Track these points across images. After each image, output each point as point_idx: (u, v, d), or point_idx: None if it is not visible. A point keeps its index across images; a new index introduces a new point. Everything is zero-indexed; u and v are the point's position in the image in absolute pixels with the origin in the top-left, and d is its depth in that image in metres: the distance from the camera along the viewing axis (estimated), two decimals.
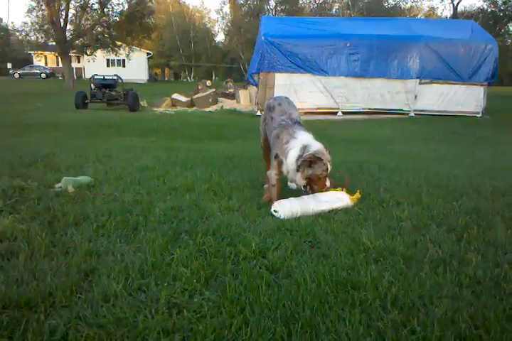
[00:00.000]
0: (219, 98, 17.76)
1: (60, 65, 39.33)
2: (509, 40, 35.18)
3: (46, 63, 52.00)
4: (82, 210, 3.05)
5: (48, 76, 46.68)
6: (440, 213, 3.21)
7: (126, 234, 2.67)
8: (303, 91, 13.93)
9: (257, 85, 14.53)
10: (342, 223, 2.95)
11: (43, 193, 3.42)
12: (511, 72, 44.92)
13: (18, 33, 35.13)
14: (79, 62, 47.47)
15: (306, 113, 13.52)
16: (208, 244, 2.52)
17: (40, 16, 30.01)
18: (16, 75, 45.80)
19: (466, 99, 14.20)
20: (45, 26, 30.49)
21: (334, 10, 47.26)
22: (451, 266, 2.29)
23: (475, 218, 3.11)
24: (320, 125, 11.33)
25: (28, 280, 2.02)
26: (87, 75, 37.92)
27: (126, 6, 33.48)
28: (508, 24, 35.80)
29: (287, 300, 1.91)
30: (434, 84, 14.07)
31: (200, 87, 18.59)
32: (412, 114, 14.13)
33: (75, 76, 34.45)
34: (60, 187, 3.58)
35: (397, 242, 2.60)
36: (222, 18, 56.12)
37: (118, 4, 33.89)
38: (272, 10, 48.30)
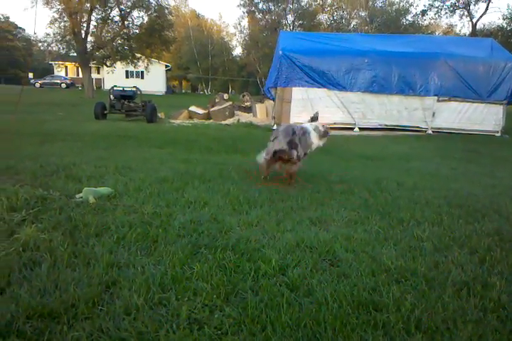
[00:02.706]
0: (236, 111, 17.86)
1: (80, 75, 40.00)
2: None
3: (67, 73, 53.01)
4: (103, 221, 3.08)
5: (68, 86, 47.52)
6: (462, 234, 3.17)
7: (146, 246, 2.69)
8: (319, 105, 13.92)
9: (274, 99, 14.60)
10: (362, 241, 2.93)
11: (64, 203, 3.46)
12: None
13: (40, 44, 35.86)
14: (98, 73, 48.28)
15: None
16: (228, 259, 2.52)
17: (63, 28, 30.64)
18: (37, 85, 46.68)
19: (484, 117, 14.07)
20: (67, 37, 31.09)
21: (352, 26, 47.51)
22: (474, 290, 2.25)
23: (497, 240, 3.07)
24: (336, 140, 11.32)
25: (50, 291, 2.04)
26: (107, 86, 38.56)
27: (146, 19, 34.08)
28: None
29: (309, 319, 1.89)
30: (452, 102, 13.98)
31: (217, 100, 18.74)
32: (429, 131, 14.04)
33: (94, 87, 35.02)
34: (81, 197, 3.62)
35: (419, 263, 2.57)
36: (240, 32, 56.70)
37: (138, 17, 34.40)
38: (289, 25, 48.76)
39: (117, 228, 2.95)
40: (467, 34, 40.41)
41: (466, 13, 39.87)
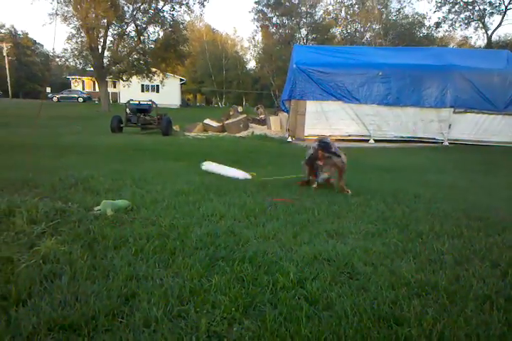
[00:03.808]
0: (250, 124, 17.96)
1: (97, 89, 40.74)
2: None
3: (83, 88, 54.01)
4: (121, 234, 3.10)
5: (84, 100, 48.32)
6: (482, 247, 3.12)
7: (164, 258, 2.70)
8: (334, 118, 13.96)
9: (288, 112, 14.66)
10: (380, 254, 2.90)
11: (83, 216, 3.50)
12: None
13: (58, 59, 36.62)
14: (115, 87, 49.07)
15: (337, 140, 13.51)
16: (246, 271, 2.51)
17: (80, 43, 31.31)
18: (55, 99, 47.58)
19: (502, 128, 13.92)
20: (84, 52, 31.78)
21: (365, 39, 47.63)
22: (497, 304, 2.21)
23: None
24: (352, 152, 11.28)
25: (71, 303, 2.05)
26: (123, 100, 39.10)
27: (161, 34, 34.69)
28: None
29: (329, 333, 1.87)
30: (468, 114, 13.88)
31: (231, 113, 18.90)
32: (446, 143, 13.93)
33: (110, 100, 35.57)
34: (99, 210, 3.66)
35: (439, 276, 2.53)
36: (254, 46, 57.23)
37: (154, 32, 35.08)
38: (303, 38, 49.12)
39: (135, 240, 2.97)
40: (482, 46, 40.21)
41: (480, 25, 39.75)
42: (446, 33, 46.23)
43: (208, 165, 6.38)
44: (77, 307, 2.01)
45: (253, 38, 57.18)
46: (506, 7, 37.19)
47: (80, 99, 48.19)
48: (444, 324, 1.97)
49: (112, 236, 3.01)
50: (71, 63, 34.55)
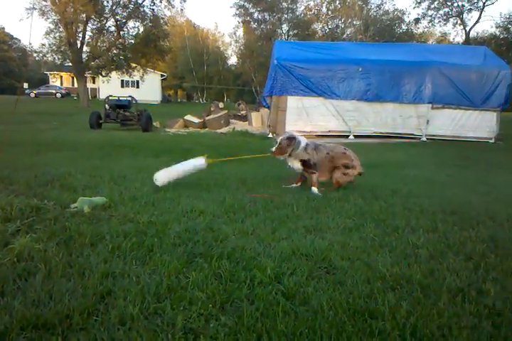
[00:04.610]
0: (231, 120, 17.91)
1: (76, 85, 40.08)
2: None
3: (62, 83, 53.07)
4: (98, 231, 3.07)
5: (63, 96, 47.51)
6: (456, 241, 3.18)
7: (141, 255, 2.68)
8: (315, 114, 14.02)
9: (269, 108, 14.67)
10: (357, 249, 2.93)
11: (59, 213, 3.45)
12: None
13: (35, 54, 35.90)
14: (94, 82, 48.28)
15: (317, 136, 13.59)
16: (223, 267, 2.51)
17: (58, 38, 30.72)
18: (32, 95, 46.67)
19: (478, 124, 14.17)
20: (62, 48, 31.19)
21: (346, 34, 47.85)
22: (469, 296, 2.26)
23: (492, 247, 3.08)
24: None
25: (45, 302, 2.03)
26: (102, 96, 38.57)
27: (141, 29, 34.25)
28: None
29: (304, 328, 1.89)
30: (446, 109, 14.09)
31: (212, 109, 18.80)
32: (424, 138, 14.12)
33: (89, 96, 35.05)
34: (76, 207, 3.61)
35: (414, 270, 2.57)
36: (236, 41, 57.01)
37: (134, 27, 34.62)
38: (284, 34, 49.13)
39: (112, 238, 2.94)
40: (461, 42, 40.81)
41: (459, 21, 40.33)
42: (426, 29, 46.78)
43: (160, 176, 4.83)
44: (51, 305, 1.98)
45: (234, 34, 57.09)
46: (484, 3, 37.85)
47: (58, 95, 47.38)
48: (417, 317, 2.01)
49: (89, 233, 2.98)
50: (49, 58, 33.94)
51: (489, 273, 2.58)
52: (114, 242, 2.85)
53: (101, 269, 2.41)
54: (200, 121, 17.00)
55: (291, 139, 5.06)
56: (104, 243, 2.85)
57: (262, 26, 48.53)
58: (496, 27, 38.46)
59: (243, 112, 19.56)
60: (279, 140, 5.14)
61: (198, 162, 5.13)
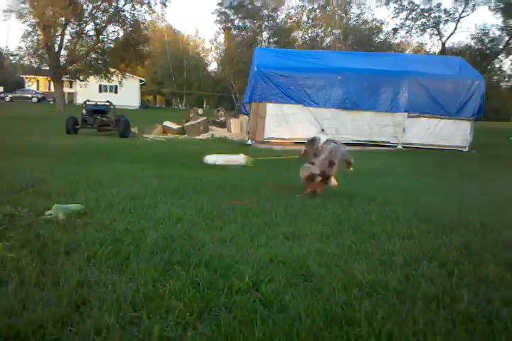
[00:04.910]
0: (210, 126, 17.89)
1: (52, 89, 39.47)
2: (495, 77, 36.20)
3: (38, 87, 52.23)
4: (73, 239, 3.02)
5: (39, 100, 46.74)
6: (431, 248, 3.24)
7: (117, 264, 2.65)
8: (294, 121, 14.12)
9: (249, 114, 14.71)
10: (335, 256, 2.96)
11: (33, 220, 3.39)
12: (497, 107, 46.16)
13: (11, 57, 35.29)
14: (71, 87, 47.61)
15: (295, 143, 13.68)
16: (201, 275, 2.50)
17: (35, 41, 30.28)
18: (7, 98, 45.77)
19: (453, 133, 14.48)
20: (40, 51, 30.75)
21: (326, 43, 48.45)
22: (443, 302, 2.30)
23: (465, 254, 3.14)
24: None
25: (18, 311, 1.98)
26: (79, 100, 38.03)
27: (121, 34, 34.00)
28: (494, 61, 36.97)
29: (282, 335, 1.89)
30: (422, 118, 14.37)
31: (191, 115, 18.76)
32: (399, 146, 14.35)
33: (66, 101, 34.58)
34: (51, 214, 3.55)
35: (390, 277, 2.61)
36: (216, 47, 57.12)
37: (113, 32, 34.29)
38: (264, 41, 49.46)
39: (88, 245, 2.90)
40: (437, 52, 41.74)
41: (436, 32, 41.27)
42: (403, 39, 47.75)
43: (210, 157, 7.80)
44: (24, 315, 1.94)
45: (215, 40, 57.00)
46: (460, 15, 38.88)
47: (35, 99, 46.59)
48: (393, 323, 2.03)
49: (64, 241, 2.93)
50: (26, 62, 33.39)
51: (463, 280, 2.63)
52: (90, 250, 2.80)
53: (76, 278, 2.37)
54: (179, 127, 16.93)
55: (314, 141, 5.37)
56: (79, 251, 2.80)
57: (242, 33, 48.79)
58: (471, 38, 39.55)
59: (222, 119, 19.57)
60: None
61: (240, 158, 7.64)
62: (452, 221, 4.18)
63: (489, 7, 35.05)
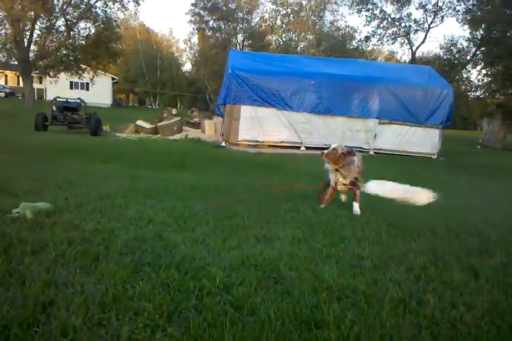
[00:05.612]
0: (184, 127, 17.79)
1: (21, 84, 38.43)
2: (463, 87, 37.28)
3: (6, 82, 50.75)
4: (41, 238, 2.95)
5: (7, 95, 45.41)
6: (399, 252, 3.30)
7: (86, 264, 2.59)
8: (268, 124, 14.20)
9: (223, 116, 14.70)
10: (306, 259, 2.98)
11: None
12: (464, 116, 47.61)
13: None
14: (41, 83, 46.42)
15: (269, 146, 13.75)
16: (172, 277, 2.48)
17: (3, 35, 29.47)
18: None
19: (422, 140, 14.86)
20: (8, 45, 29.92)
21: (300, 48, 48.85)
22: (410, 307, 2.35)
23: (432, 259, 3.22)
24: (283, 158, 11.49)
25: None
26: (49, 97, 37.10)
27: (93, 31, 33.41)
28: (462, 71, 38.02)
29: (252, 338, 1.90)
30: (393, 125, 14.69)
31: (165, 115, 18.63)
32: (371, 152, 14.61)
33: (35, 97, 33.72)
34: (18, 212, 3.46)
35: (359, 280, 2.65)
36: (190, 48, 56.85)
37: (85, 28, 33.63)
38: (239, 44, 49.51)
39: (56, 245, 2.83)
40: (407, 61, 42.65)
41: (406, 41, 42.19)
42: (375, 47, 48.59)
43: (376, 186, 5.18)
44: None
45: (189, 40, 56.66)
46: (429, 25, 39.92)
47: (2, 94, 45.23)
48: (361, 327, 2.07)
49: (31, 240, 2.86)
50: None
51: (429, 285, 2.70)
52: (58, 250, 2.74)
53: (43, 278, 2.31)
54: (152, 126, 16.77)
55: (349, 154, 4.68)
56: (47, 251, 2.74)
57: (217, 35, 48.70)
58: (440, 48, 40.55)
59: (196, 120, 19.50)
60: (334, 146, 4.70)
61: (426, 196, 5.18)
62: (420, 226, 4.28)
63: (457, 19, 36.08)
